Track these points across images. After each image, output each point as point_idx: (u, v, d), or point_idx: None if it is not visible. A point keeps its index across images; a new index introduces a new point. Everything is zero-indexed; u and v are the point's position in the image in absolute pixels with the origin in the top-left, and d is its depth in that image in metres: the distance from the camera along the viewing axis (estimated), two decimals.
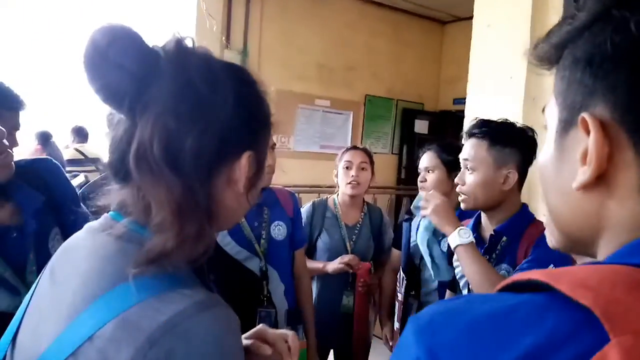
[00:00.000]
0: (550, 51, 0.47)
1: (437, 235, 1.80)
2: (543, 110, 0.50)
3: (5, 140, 1.28)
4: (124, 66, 0.61)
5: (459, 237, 1.46)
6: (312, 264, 2.25)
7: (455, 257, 1.65)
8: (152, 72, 0.62)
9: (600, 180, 0.41)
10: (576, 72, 0.43)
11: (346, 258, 2.24)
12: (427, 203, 1.57)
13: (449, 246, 1.52)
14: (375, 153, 2.57)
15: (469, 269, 1.43)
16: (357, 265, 2.25)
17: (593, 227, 0.44)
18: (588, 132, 0.41)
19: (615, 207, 0.42)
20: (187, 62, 0.64)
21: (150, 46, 0.64)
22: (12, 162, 1.33)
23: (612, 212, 0.42)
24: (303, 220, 2.20)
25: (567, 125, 0.45)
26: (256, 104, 0.73)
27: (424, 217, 1.69)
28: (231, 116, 0.66)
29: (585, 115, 0.41)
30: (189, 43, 0.66)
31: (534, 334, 0.35)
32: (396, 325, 2.36)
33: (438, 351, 0.38)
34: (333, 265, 2.24)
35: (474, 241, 1.46)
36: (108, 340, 0.56)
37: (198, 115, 0.63)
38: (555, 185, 0.47)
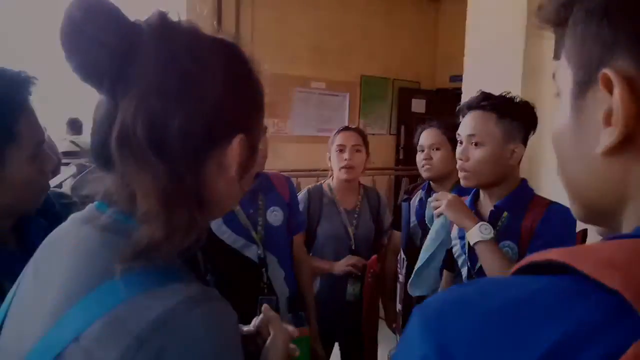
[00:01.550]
0: (558, 9, 0.43)
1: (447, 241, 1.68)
2: (554, 76, 0.46)
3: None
4: (102, 41, 0.56)
5: (480, 233, 1.40)
6: (317, 263, 2.21)
7: (452, 234, 1.61)
8: (134, 48, 0.58)
9: (627, 142, 0.37)
10: (591, 25, 0.39)
11: (352, 260, 2.20)
12: (439, 201, 1.53)
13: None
14: (372, 134, 2.54)
15: (491, 266, 1.38)
16: (362, 264, 2.22)
17: (617, 196, 0.40)
18: (610, 90, 0.37)
19: None
20: (172, 36, 0.60)
21: (132, 20, 0.60)
22: None
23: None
24: (300, 209, 2.14)
25: (584, 85, 0.41)
26: (248, 84, 0.68)
27: (438, 216, 1.62)
28: (221, 96, 0.61)
29: (607, 70, 0.37)
30: (174, 17, 0.62)
31: (559, 326, 0.31)
32: (398, 306, 2.34)
33: (450, 348, 0.33)
34: (340, 267, 2.20)
35: (494, 237, 1.41)
36: (95, 341, 0.53)
37: (185, 95, 0.59)
38: (574, 153, 0.43)
